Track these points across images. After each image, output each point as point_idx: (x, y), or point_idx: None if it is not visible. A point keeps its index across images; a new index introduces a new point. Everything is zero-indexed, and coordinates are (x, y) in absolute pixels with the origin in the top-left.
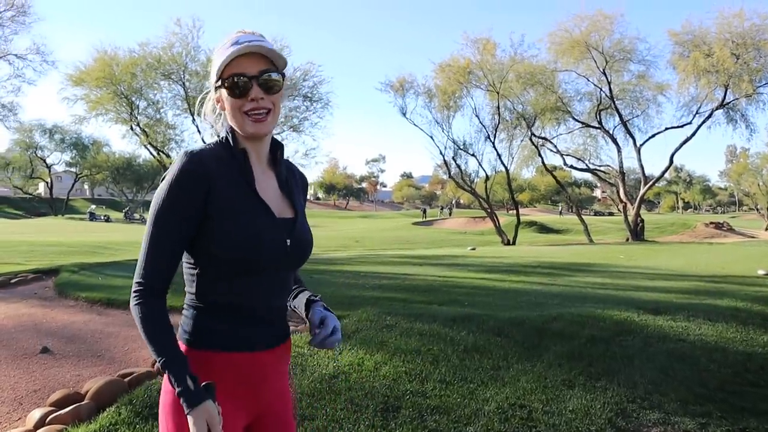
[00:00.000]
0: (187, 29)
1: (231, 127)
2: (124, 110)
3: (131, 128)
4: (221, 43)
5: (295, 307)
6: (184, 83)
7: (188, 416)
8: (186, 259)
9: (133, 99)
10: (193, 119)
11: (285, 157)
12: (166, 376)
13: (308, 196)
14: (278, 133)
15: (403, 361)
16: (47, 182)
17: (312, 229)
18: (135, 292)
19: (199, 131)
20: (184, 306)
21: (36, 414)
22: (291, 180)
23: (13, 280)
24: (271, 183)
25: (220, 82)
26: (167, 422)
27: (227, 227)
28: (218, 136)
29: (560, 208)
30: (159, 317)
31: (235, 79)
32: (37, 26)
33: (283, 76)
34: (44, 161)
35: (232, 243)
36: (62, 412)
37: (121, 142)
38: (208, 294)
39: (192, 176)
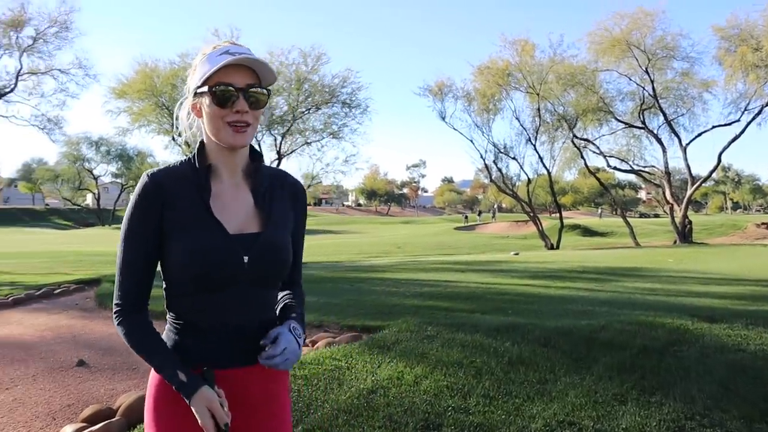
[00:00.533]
0: (225, 39)
1: (201, 141)
2: (166, 121)
3: (173, 139)
4: (207, 49)
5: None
6: None
7: (191, 407)
8: (161, 277)
9: (174, 110)
10: None
11: (321, 167)
12: (152, 380)
13: (349, 203)
14: (318, 140)
15: (445, 375)
16: (95, 193)
17: (354, 236)
18: (114, 313)
19: None
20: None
21: (67, 430)
22: (276, 192)
23: (56, 291)
24: (241, 197)
25: (205, 89)
26: (147, 425)
27: (175, 245)
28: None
29: (600, 210)
30: (140, 329)
31: (222, 89)
32: (79, 41)
33: (269, 93)
34: (91, 173)
35: (179, 261)
36: (93, 428)
37: (164, 152)
38: (175, 310)
39: (146, 197)
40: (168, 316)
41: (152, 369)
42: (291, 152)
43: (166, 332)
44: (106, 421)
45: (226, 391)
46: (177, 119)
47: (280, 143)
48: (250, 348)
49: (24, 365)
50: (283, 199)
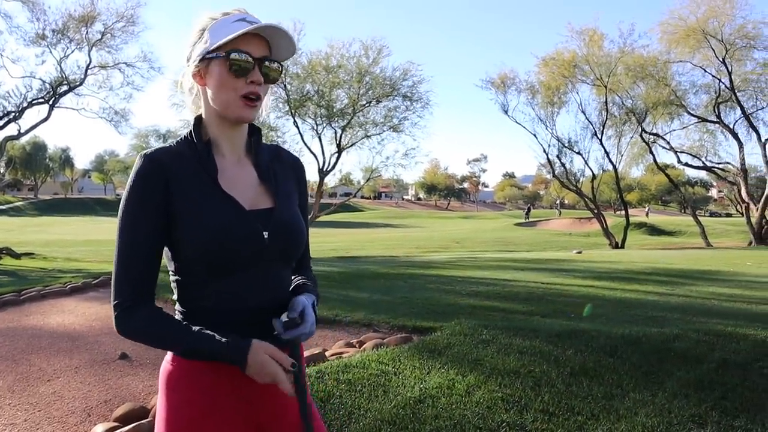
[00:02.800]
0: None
1: (197, 117)
2: None
3: None
4: (215, 14)
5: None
6: (285, 86)
7: (250, 368)
8: (168, 267)
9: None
10: (294, 121)
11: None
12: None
13: (409, 197)
14: (378, 134)
15: (500, 385)
16: None
17: (412, 230)
18: (115, 312)
19: (300, 133)
20: None
21: (98, 430)
22: (277, 167)
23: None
24: (246, 172)
25: (222, 54)
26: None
27: (190, 225)
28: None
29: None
30: (155, 317)
31: (241, 57)
32: (144, 35)
33: (282, 67)
34: None
35: (197, 241)
36: (123, 429)
37: None
38: (188, 300)
39: (146, 178)
40: (177, 308)
41: (164, 373)
42: (351, 145)
43: None
44: (136, 423)
45: (242, 385)
46: (180, 89)
47: (340, 136)
48: (264, 335)
49: (68, 356)
50: (286, 173)
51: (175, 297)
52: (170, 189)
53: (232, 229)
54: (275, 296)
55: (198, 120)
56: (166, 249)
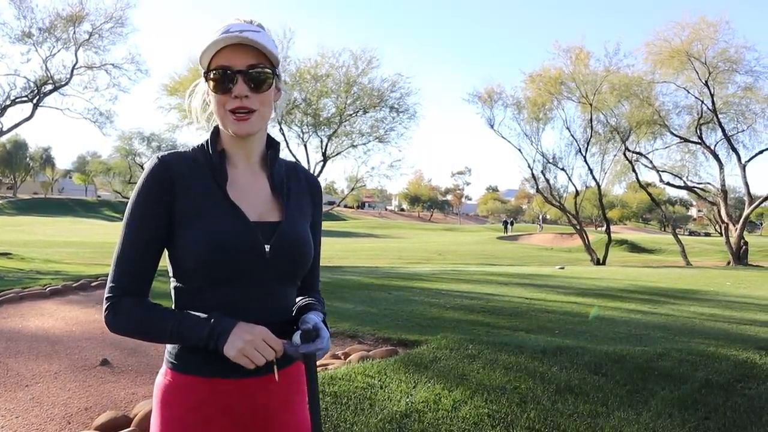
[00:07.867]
0: (278, 40)
1: (216, 127)
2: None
3: None
4: (213, 29)
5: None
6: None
7: (229, 350)
8: (169, 272)
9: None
10: (281, 128)
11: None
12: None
13: (392, 207)
14: (364, 144)
15: (486, 401)
16: None
17: (395, 241)
18: (107, 298)
19: (285, 140)
20: None
21: None
22: (292, 183)
23: (93, 283)
24: (259, 184)
25: (204, 73)
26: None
27: (190, 232)
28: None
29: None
30: (143, 305)
31: (220, 73)
32: (132, 36)
33: (275, 73)
34: (142, 167)
35: (195, 249)
36: None
37: None
38: (185, 308)
39: (156, 179)
40: None
41: (157, 387)
42: (337, 154)
43: None
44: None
45: (244, 403)
46: (192, 111)
47: (326, 145)
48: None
49: (48, 361)
50: (300, 190)
51: (173, 305)
52: (176, 192)
53: (232, 239)
54: (277, 313)
55: (216, 130)
56: (167, 253)
